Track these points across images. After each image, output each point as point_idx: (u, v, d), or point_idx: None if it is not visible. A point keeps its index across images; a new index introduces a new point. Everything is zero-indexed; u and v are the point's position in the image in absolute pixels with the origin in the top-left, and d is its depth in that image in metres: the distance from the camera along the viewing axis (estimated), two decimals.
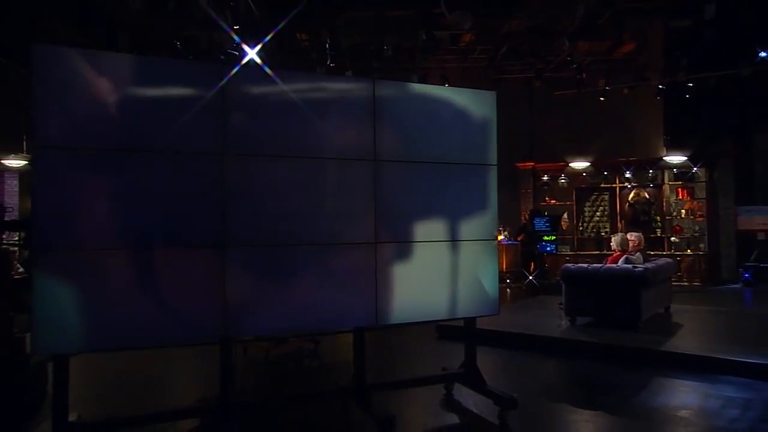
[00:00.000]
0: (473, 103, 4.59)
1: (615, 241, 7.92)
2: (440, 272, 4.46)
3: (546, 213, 12.47)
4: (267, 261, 3.96)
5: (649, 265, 7.32)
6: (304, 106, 4.07)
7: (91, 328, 3.61)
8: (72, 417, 4.22)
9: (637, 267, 7.08)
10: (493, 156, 4.64)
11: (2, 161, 12.33)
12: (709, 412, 4.73)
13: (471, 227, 4.56)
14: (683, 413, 4.72)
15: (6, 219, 10.44)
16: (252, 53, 8.65)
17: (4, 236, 8.22)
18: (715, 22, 10.46)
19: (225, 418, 4.05)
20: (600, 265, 7.47)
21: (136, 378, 5.82)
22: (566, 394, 5.40)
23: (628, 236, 7.94)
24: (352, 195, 4.23)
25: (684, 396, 5.17)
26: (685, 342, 6.64)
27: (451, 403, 4.88)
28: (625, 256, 7.58)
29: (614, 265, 7.34)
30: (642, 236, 8.20)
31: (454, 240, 4.50)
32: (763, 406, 4.88)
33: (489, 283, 4.63)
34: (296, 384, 5.72)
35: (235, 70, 3.95)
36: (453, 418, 4.61)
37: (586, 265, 7.45)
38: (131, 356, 5.80)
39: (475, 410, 4.71)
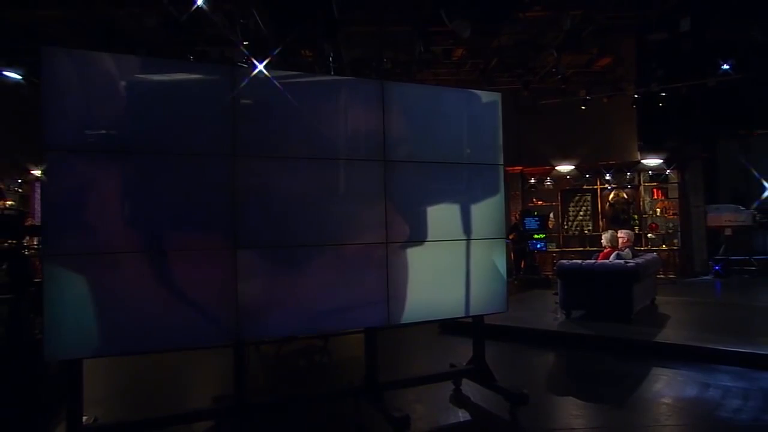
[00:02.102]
0: (480, 103, 4.18)
1: (606, 238, 7.50)
2: (450, 271, 4.05)
3: (536, 213, 12.08)
4: (278, 262, 3.54)
5: (639, 260, 6.92)
6: (314, 108, 3.66)
7: (102, 332, 3.19)
8: (88, 419, 3.81)
9: (628, 262, 6.68)
10: (499, 156, 4.23)
11: (33, 171, 12.00)
12: (712, 403, 4.33)
13: (479, 226, 4.15)
14: (686, 404, 4.33)
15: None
16: (260, 67, 8.21)
17: (26, 241, 7.74)
18: (689, 35, 10.22)
19: (240, 419, 3.63)
20: (594, 261, 7.07)
21: (151, 377, 5.38)
22: (571, 387, 4.97)
23: (619, 234, 7.53)
24: (363, 195, 3.81)
25: (684, 386, 4.75)
26: (677, 332, 6.24)
27: (460, 399, 4.44)
28: (616, 252, 7.17)
29: (607, 261, 6.94)
30: (631, 234, 7.81)
31: (463, 239, 4.09)
32: (763, 396, 4.48)
33: (497, 280, 4.22)
34: (308, 381, 5.28)
35: (246, 74, 3.53)
36: (464, 414, 4.17)
37: (580, 261, 7.04)
38: (144, 354, 5.35)
39: (485, 406, 4.28)
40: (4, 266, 5.33)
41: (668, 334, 6.11)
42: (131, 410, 4.51)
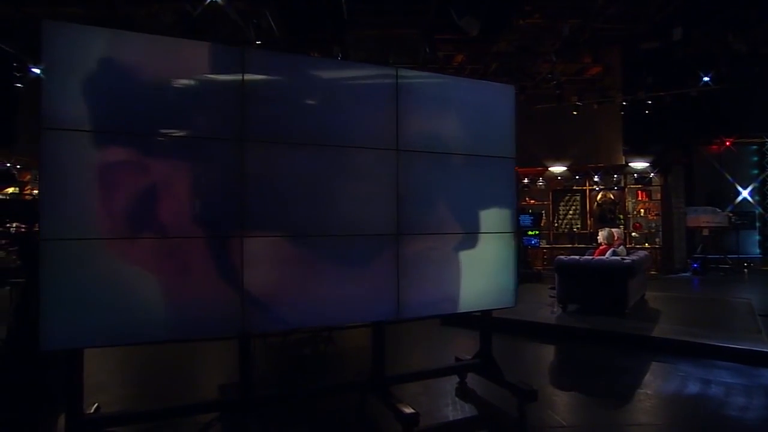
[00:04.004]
0: (494, 95, 3.74)
1: (602, 235, 7.06)
2: (461, 264, 3.61)
3: (530, 211, 11.64)
4: (286, 252, 3.09)
5: (634, 257, 6.50)
6: (325, 93, 3.21)
7: (101, 322, 2.76)
8: (90, 408, 3.39)
9: (624, 259, 6.26)
10: (512, 149, 3.78)
11: None
12: (718, 401, 3.92)
13: (490, 219, 3.71)
14: (691, 401, 3.92)
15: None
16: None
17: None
18: (673, 47, 9.88)
19: (245, 411, 3.19)
20: (590, 257, 6.63)
21: (157, 365, 4.94)
22: (575, 381, 4.55)
23: (614, 231, 7.09)
24: (374, 185, 3.36)
25: (686, 382, 4.34)
26: (671, 327, 5.81)
27: (466, 393, 4.02)
28: (612, 248, 6.74)
29: (604, 257, 6.51)
30: (621, 232, 7.38)
31: (474, 232, 3.65)
32: (765, 393, 4.07)
33: (507, 275, 3.77)
34: (314, 371, 4.83)
35: (256, 55, 3.08)
36: (472, 409, 3.75)
37: (578, 257, 6.61)
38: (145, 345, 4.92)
39: (491, 400, 3.87)
40: (14, 249, 4.91)
41: (664, 329, 5.69)
42: (133, 400, 4.07)
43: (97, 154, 2.76)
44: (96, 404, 3.54)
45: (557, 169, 12.74)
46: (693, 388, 4.20)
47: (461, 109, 3.60)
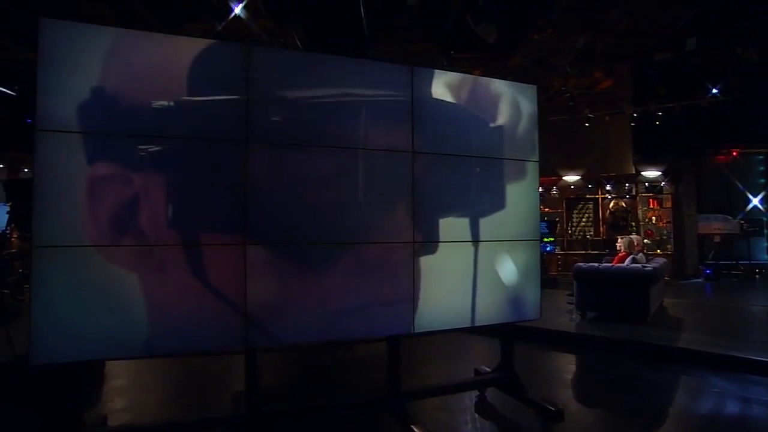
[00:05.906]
0: (515, 95, 3.20)
1: (623, 243, 6.38)
2: (482, 274, 3.06)
3: (546, 218, 10.96)
4: (293, 261, 2.60)
5: (654, 264, 5.82)
6: (335, 92, 2.73)
7: (96, 335, 2.32)
8: (101, 416, 2.97)
9: (646, 266, 5.58)
10: (535, 151, 3.23)
11: None
12: (764, 424, 3.25)
13: (512, 226, 3.16)
14: (737, 425, 3.25)
15: None
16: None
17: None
18: (684, 59, 9.21)
19: (252, 427, 2.71)
20: (610, 264, 5.98)
21: (173, 375, 4.49)
22: (601, 396, 3.92)
23: (634, 239, 6.41)
24: (388, 190, 2.85)
25: (724, 400, 3.67)
26: (697, 337, 5.09)
27: (486, 408, 3.44)
28: (631, 256, 6.07)
29: (624, 265, 5.84)
30: (641, 239, 6.68)
31: (497, 240, 3.10)
32: None
33: (531, 285, 3.21)
34: (330, 381, 4.30)
35: (262, 53, 2.64)
36: (492, 428, 3.18)
37: (597, 264, 5.96)
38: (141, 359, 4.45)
39: (513, 418, 3.29)
40: None
41: (689, 339, 4.99)
42: (142, 409, 3.62)
43: (93, 157, 2.35)
44: (103, 416, 3.13)
45: (571, 178, 12.05)
46: (733, 407, 3.54)
47: (481, 110, 3.07)
